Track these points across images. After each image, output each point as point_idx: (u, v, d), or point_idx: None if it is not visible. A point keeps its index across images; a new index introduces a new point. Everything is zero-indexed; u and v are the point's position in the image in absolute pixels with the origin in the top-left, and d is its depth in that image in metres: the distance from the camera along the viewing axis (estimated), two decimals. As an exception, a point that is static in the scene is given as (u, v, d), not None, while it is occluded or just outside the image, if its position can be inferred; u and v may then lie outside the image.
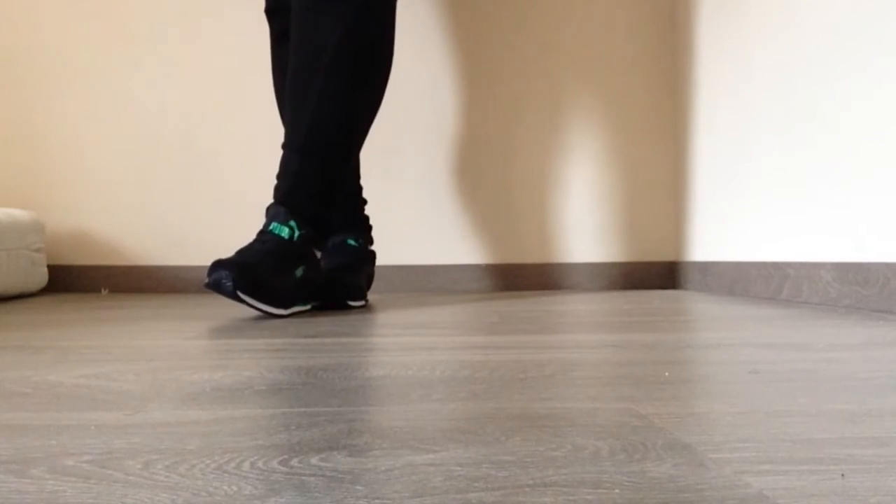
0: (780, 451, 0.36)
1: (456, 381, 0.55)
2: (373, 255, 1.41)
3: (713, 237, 1.58)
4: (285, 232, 1.13)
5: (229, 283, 1.03)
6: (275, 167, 1.26)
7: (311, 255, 1.18)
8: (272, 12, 1.35)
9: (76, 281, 1.77)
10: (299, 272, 1.14)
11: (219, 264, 1.05)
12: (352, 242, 1.36)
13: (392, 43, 1.25)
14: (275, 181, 1.21)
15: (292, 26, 1.20)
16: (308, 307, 1.22)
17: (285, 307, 1.12)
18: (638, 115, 1.80)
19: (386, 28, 1.23)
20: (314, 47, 1.15)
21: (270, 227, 1.14)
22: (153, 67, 1.79)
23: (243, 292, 1.04)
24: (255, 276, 1.06)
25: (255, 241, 1.13)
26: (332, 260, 1.34)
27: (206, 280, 1.05)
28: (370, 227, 1.42)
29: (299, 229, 1.14)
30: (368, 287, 1.40)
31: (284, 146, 1.20)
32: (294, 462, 0.35)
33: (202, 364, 0.65)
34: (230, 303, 1.38)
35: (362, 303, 1.32)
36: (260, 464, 0.35)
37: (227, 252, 1.33)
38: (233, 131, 1.78)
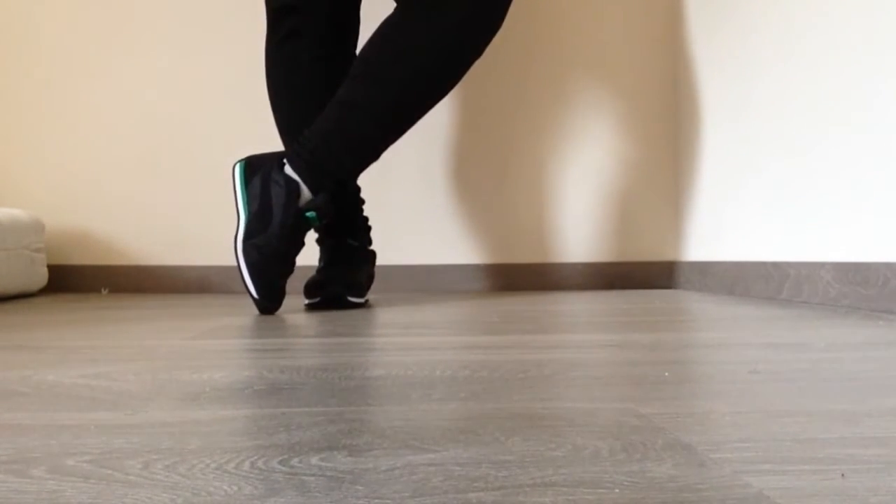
0: (780, 451, 0.36)
1: (456, 381, 0.55)
2: (372, 254, 1.41)
3: (713, 237, 1.58)
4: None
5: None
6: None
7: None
8: (284, 9, 1.29)
9: (76, 281, 1.77)
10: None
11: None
12: (351, 242, 1.37)
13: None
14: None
15: (400, 10, 1.19)
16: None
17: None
18: (638, 114, 1.80)
19: (487, 39, 1.23)
20: (426, 37, 1.18)
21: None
22: (153, 68, 1.79)
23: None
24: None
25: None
26: (331, 259, 1.34)
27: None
28: (369, 228, 1.42)
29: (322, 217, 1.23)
30: (368, 287, 1.40)
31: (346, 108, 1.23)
32: (294, 462, 0.35)
33: (202, 364, 0.65)
34: (229, 303, 1.38)
35: (362, 300, 1.32)
36: (260, 464, 0.35)
37: (226, 250, 1.33)
38: (233, 131, 1.78)
